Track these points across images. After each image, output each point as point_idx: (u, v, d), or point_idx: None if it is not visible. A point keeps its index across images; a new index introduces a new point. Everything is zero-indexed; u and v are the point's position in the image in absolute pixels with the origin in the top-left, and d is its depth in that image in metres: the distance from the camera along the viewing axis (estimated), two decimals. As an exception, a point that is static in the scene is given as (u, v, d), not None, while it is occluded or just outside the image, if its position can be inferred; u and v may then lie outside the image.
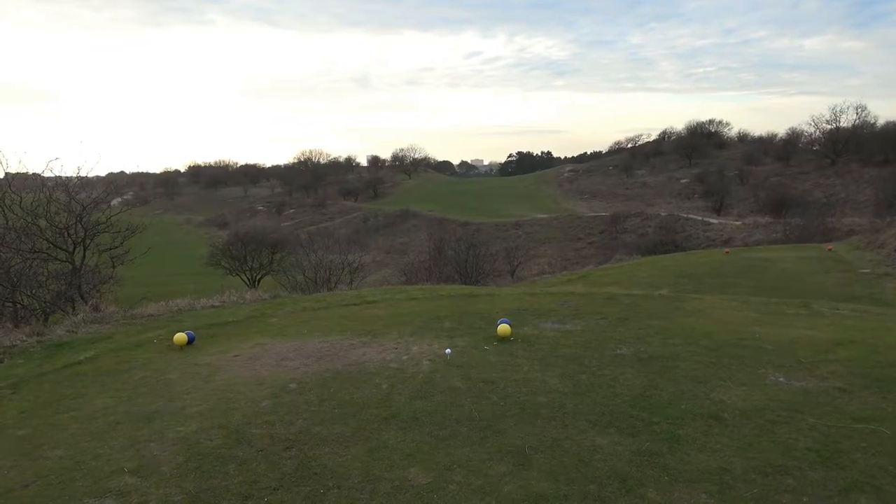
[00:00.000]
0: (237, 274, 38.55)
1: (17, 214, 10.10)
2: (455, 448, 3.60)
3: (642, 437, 3.68)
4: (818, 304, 7.59)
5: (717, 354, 5.27)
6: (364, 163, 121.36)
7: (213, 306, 8.66)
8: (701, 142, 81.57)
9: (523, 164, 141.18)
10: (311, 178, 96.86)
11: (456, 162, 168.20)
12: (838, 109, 66.74)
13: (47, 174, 10.86)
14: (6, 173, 10.91)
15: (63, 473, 3.43)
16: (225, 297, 9.39)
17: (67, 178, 11.01)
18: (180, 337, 5.97)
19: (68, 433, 4.00)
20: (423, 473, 3.31)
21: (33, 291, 9.94)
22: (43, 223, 10.18)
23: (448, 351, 5.44)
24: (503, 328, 5.89)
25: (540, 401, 4.29)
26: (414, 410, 4.17)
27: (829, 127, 66.80)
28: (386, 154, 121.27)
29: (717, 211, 54.99)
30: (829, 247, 20.66)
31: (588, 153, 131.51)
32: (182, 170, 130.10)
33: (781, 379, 4.66)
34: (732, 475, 3.21)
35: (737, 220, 47.54)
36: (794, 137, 73.56)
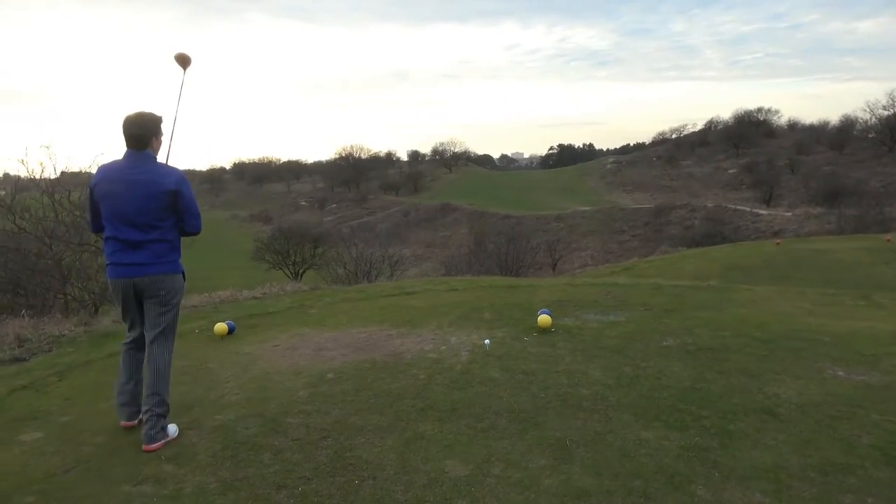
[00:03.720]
0: (280, 268, 39.20)
1: (66, 209, 10.43)
2: (493, 440, 3.49)
3: (691, 431, 3.50)
4: (878, 296, 7.20)
5: (770, 347, 5.02)
6: (404, 157, 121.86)
7: (254, 298, 8.74)
8: (749, 130, 79.18)
9: (564, 156, 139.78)
10: (353, 173, 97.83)
11: (496, 155, 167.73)
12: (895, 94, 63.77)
13: (94, 170, 11.15)
14: (62, 172, 11.26)
15: (103, 460, 3.45)
16: (266, 288, 9.47)
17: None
18: (221, 327, 6.00)
19: (110, 420, 4.02)
20: (461, 466, 3.21)
21: (83, 284, 10.22)
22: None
23: (487, 342, 5.33)
24: (544, 319, 5.74)
25: (582, 393, 4.14)
26: (451, 401, 4.07)
27: (885, 113, 64.06)
28: (426, 148, 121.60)
29: (767, 202, 53.37)
30: (888, 237, 19.77)
31: (631, 144, 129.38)
32: (227, 166, 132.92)
33: (841, 373, 4.40)
34: (789, 473, 3.01)
35: (787, 211, 46.07)
36: (847, 125, 70.81)
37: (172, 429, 3.70)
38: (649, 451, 3.28)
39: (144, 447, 3.52)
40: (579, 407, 3.90)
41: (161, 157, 3.69)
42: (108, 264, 3.64)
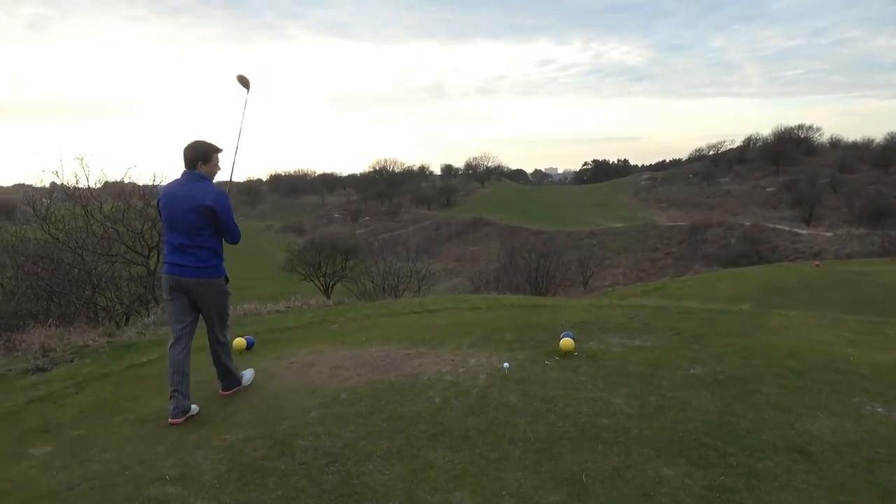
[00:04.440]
0: (311, 279, 39.47)
1: (97, 220, 10.63)
2: (506, 472, 3.34)
3: (716, 469, 3.30)
4: (924, 325, 6.82)
5: (803, 378, 4.76)
6: (437, 171, 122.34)
7: (277, 311, 8.73)
8: (789, 148, 77.45)
9: (599, 172, 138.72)
10: (386, 186, 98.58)
11: (529, 170, 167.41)
12: (945, 112, 61.78)
13: (126, 181, 11.40)
14: (105, 182, 11.54)
15: (108, 477, 3.41)
16: (290, 302, 9.47)
17: (144, 185, 11.51)
18: (239, 342, 5.98)
19: (120, 436, 4.01)
20: (469, 498, 3.07)
21: (113, 293, 10.38)
22: (121, 228, 10.66)
23: (506, 365, 5.18)
24: (566, 342, 5.57)
25: (602, 423, 3.97)
26: (465, 428, 3.94)
27: (934, 131, 61.92)
28: (459, 162, 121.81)
29: (807, 221, 51.97)
30: (935, 261, 18.98)
31: (667, 161, 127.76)
32: (264, 178, 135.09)
33: (880, 409, 4.13)
34: (821, 520, 2.80)
35: (828, 231, 44.73)
36: (894, 143, 68.66)
37: (247, 373, 4.94)
38: (670, 490, 3.10)
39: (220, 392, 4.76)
40: (598, 438, 3.73)
41: (226, 170, 4.56)
42: (165, 263, 4.39)
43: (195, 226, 4.14)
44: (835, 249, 37.77)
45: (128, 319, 10.22)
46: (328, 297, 17.21)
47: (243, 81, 4.81)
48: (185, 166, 4.25)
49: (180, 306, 4.34)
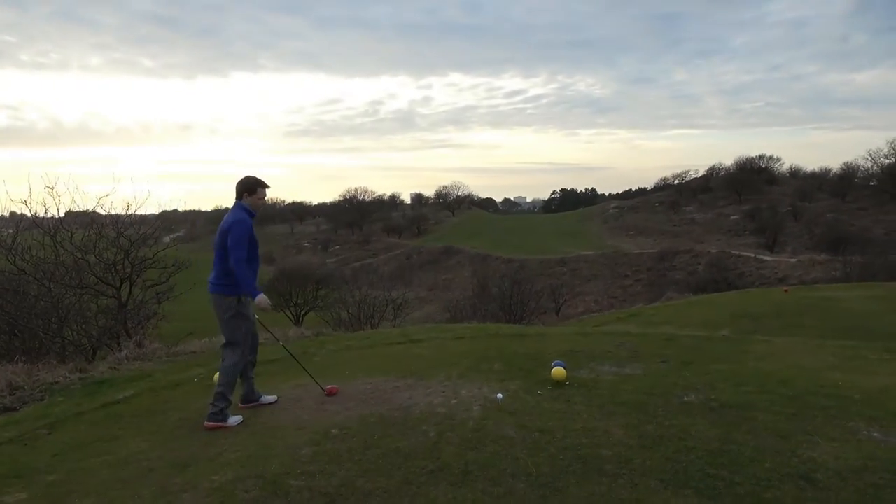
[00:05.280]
0: (282, 310, 38.78)
1: (67, 250, 10.27)
2: (512, 508, 3.22)
3: (725, 500, 3.24)
4: (902, 349, 6.93)
5: (797, 405, 4.76)
6: (408, 200, 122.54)
7: (255, 343, 8.48)
8: (751, 177, 79.54)
9: (567, 200, 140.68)
10: (357, 215, 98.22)
11: (499, 199, 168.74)
12: (896, 144, 64.32)
13: (99, 210, 11.06)
14: (67, 211, 11.18)
15: (90, 526, 3.19)
16: (266, 334, 9.21)
17: (117, 214, 11.20)
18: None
19: (99, 480, 3.78)
20: (478, 538, 2.95)
21: (81, 327, 9.99)
22: (92, 259, 10.31)
23: (500, 395, 5.08)
24: (558, 371, 5.50)
25: (603, 454, 3.88)
26: (465, 462, 3.81)
27: (887, 161, 64.41)
28: (429, 191, 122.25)
29: (770, 248, 53.23)
30: (899, 285, 19.50)
31: (633, 189, 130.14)
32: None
33: (876, 434, 4.14)
34: (837, 551, 2.75)
35: (791, 258, 45.84)
36: (849, 172, 71.19)
37: (234, 419, 4.77)
38: (682, 523, 3.02)
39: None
40: (602, 471, 3.64)
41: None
42: None
43: (218, 246, 4.73)
44: (798, 275, 38.67)
45: (94, 354, 9.83)
46: (298, 326, 16.91)
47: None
48: (236, 197, 4.88)
49: None
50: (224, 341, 4.90)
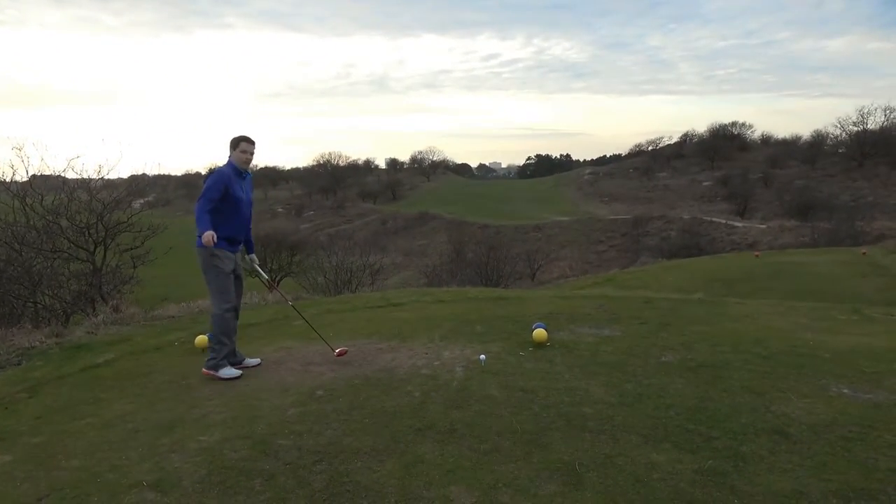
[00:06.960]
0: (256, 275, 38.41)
1: (38, 213, 10.01)
2: (499, 464, 3.30)
3: (703, 454, 3.35)
4: (869, 310, 7.18)
5: (771, 363, 4.92)
6: (383, 165, 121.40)
7: (234, 308, 8.43)
8: (723, 144, 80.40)
9: (542, 166, 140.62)
10: (331, 180, 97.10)
11: (474, 164, 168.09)
12: (865, 111, 65.61)
13: (69, 174, 10.77)
14: (32, 175, 10.86)
15: (79, 486, 3.20)
16: (246, 298, 9.17)
17: (88, 178, 10.92)
18: (202, 339, 5.75)
19: (85, 441, 3.77)
20: (466, 492, 3.02)
21: (54, 292, 9.82)
22: (64, 222, 10.08)
23: (482, 357, 5.15)
24: (539, 333, 5.59)
25: (585, 412, 3.98)
26: (450, 421, 3.88)
27: (855, 129, 65.61)
28: (404, 156, 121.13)
29: (741, 214, 54.13)
30: (864, 250, 20.05)
31: (608, 156, 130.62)
32: (203, 171, 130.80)
33: (846, 391, 4.30)
34: (810, 499, 2.88)
35: (762, 224, 46.72)
36: (819, 140, 72.33)
37: (226, 372, 4.91)
38: (663, 475, 3.13)
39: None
40: (585, 427, 3.74)
41: None
42: None
43: None
44: (768, 241, 39.50)
45: (68, 318, 9.70)
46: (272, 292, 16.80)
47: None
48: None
49: None
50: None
